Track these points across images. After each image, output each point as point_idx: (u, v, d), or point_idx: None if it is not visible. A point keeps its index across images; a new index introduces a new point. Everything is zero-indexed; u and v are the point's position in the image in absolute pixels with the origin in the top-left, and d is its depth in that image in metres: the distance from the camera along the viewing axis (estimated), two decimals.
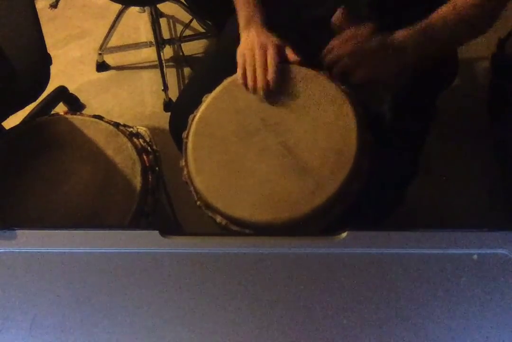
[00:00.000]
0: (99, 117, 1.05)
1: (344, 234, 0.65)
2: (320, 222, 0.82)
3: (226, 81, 0.93)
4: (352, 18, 0.86)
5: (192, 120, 0.91)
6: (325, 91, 0.87)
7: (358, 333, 0.58)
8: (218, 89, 0.92)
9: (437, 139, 1.17)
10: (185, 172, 0.89)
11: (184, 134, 0.91)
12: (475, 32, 0.90)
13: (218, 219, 0.85)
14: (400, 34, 0.86)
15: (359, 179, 0.82)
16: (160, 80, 1.68)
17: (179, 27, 1.87)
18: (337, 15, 0.86)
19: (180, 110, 1.03)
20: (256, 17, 0.96)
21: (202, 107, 0.91)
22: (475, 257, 0.62)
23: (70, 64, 1.86)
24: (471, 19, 0.85)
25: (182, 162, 0.90)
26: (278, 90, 0.89)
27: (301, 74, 0.89)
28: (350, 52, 0.85)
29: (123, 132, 1.01)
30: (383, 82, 0.89)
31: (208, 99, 0.92)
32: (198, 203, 0.88)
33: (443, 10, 0.86)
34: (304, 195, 0.81)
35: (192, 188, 0.88)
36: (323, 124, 0.85)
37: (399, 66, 0.86)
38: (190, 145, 0.89)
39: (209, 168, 0.86)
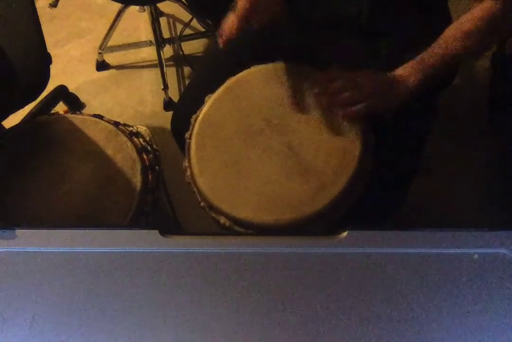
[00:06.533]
0: (99, 117, 1.05)
1: (344, 234, 0.65)
2: (322, 223, 0.82)
3: (229, 81, 0.92)
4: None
5: (195, 120, 0.91)
6: None
7: (358, 333, 0.58)
8: (221, 89, 0.92)
9: (437, 139, 1.17)
10: (188, 173, 0.89)
11: (187, 135, 0.91)
12: (490, 42, 0.89)
13: (222, 220, 0.84)
14: (401, 71, 0.84)
15: (363, 180, 0.82)
16: (160, 79, 1.68)
17: (179, 26, 1.87)
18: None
19: (182, 110, 1.02)
20: None
21: (205, 108, 0.91)
22: (475, 256, 0.62)
23: (70, 64, 1.86)
24: (480, 33, 0.84)
25: (185, 163, 0.90)
26: (282, 90, 0.88)
27: (305, 74, 0.89)
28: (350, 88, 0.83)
29: (123, 131, 1.01)
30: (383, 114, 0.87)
31: (211, 100, 0.91)
32: (202, 204, 0.87)
33: (450, 32, 0.85)
34: (307, 196, 0.81)
35: (195, 189, 0.88)
36: (327, 125, 0.85)
37: (401, 100, 0.85)
38: (193, 146, 0.88)
39: (212, 169, 0.86)
